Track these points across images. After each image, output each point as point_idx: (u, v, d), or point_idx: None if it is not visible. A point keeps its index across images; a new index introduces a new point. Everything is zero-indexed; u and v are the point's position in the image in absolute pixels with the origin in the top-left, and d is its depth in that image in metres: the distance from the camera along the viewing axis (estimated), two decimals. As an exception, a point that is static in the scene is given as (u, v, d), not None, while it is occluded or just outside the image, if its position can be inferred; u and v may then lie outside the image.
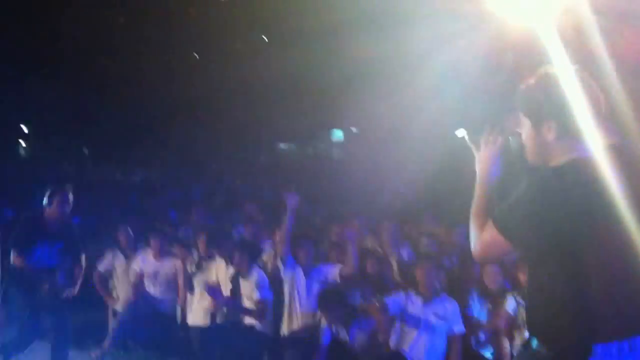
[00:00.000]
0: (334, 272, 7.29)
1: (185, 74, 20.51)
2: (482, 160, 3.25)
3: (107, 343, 8.30)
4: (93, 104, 21.37)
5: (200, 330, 7.88)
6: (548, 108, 2.85)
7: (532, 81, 2.91)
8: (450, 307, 6.46)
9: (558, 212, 2.67)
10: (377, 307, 6.63)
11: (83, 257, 7.55)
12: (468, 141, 3.32)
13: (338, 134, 27.71)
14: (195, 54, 21.79)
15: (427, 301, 6.48)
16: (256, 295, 7.48)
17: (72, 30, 18.94)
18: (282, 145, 28.79)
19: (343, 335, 6.71)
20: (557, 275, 2.74)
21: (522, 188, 2.81)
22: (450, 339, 6.40)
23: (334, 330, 6.79)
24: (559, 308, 2.72)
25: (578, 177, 2.72)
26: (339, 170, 18.26)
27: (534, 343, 2.84)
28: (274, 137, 26.80)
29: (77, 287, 7.45)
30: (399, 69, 14.14)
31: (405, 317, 6.50)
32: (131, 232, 9.19)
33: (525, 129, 2.97)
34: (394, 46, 13.36)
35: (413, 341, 6.40)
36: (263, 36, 19.69)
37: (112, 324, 8.77)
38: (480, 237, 3.00)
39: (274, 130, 24.50)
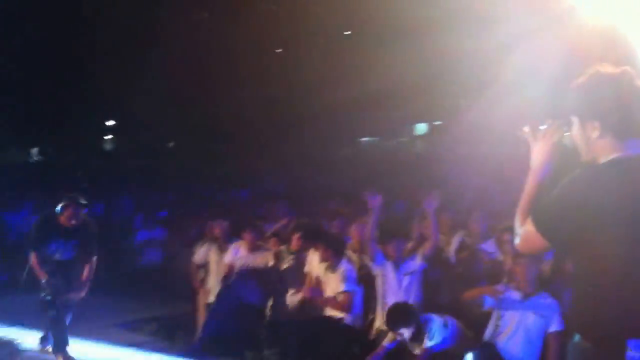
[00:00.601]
0: (417, 261, 7.50)
1: (269, 70, 20.88)
2: (536, 154, 3.25)
3: (197, 335, 8.63)
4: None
5: (290, 323, 8.05)
6: (592, 107, 2.92)
7: (581, 80, 2.96)
8: (549, 303, 6.37)
9: (596, 209, 2.71)
10: (472, 301, 6.73)
11: (94, 257, 8.23)
12: (527, 133, 3.31)
13: (421, 128, 27.65)
14: (279, 50, 22.17)
15: (526, 297, 6.44)
16: (342, 287, 7.71)
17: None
18: (365, 140, 28.89)
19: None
20: (594, 272, 2.79)
21: (562, 185, 2.87)
22: (548, 336, 6.30)
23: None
24: (596, 304, 2.77)
25: (620, 176, 2.78)
26: (421, 165, 18.29)
27: (576, 337, 2.90)
28: (356, 131, 26.92)
29: (86, 283, 8.09)
30: (483, 63, 14.14)
31: (502, 313, 6.48)
32: (226, 225, 9.51)
33: (574, 127, 3.03)
34: (477, 41, 13.39)
35: (508, 337, 6.37)
36: (346, 32, 19.87)
37: (203, 316, 9.03)
38: (520, 231, 3.04)
39: (356, 124, 24.64)
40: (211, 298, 9.07)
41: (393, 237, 7.67)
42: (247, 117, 22.55)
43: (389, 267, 7.58)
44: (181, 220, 11.66)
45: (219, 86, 21.77)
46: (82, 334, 8.55)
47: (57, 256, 8.05)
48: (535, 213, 2.97)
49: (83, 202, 8.00)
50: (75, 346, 8.10)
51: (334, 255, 7.84)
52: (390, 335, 6.93)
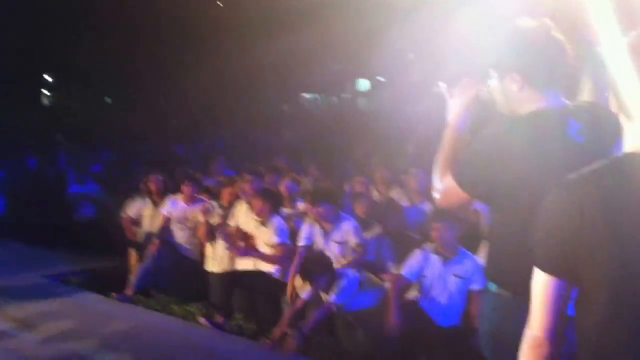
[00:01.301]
0: (349, 231, 7.55)
1: (208, 23, 20.61)
2: (451, 109, 3.27)
3: (130, 288, 8.67)
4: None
5: (220, 276, 8.14)
6: (511, 60, 2.93)
7: (499, 33, 2.99)
8: (469, 264, 6.43)
9: (512, 161, 2.73)
10: (394, 277, 6.79)
11: None
12: (443, 90, 3.33)
13: (364, 84, 27.65)
14: (219, 3, 21.87)
15: (445, 260, 6.52)
16: (274, 240, 7.78)
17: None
18: (307, 95, 28.79)
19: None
20: (511, 222, 2.83)
21: (481, 137, 2.89)
22: (471, 294, 6.40)
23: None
24: (514, 253, 2.79)
25: (539, 127, 2.79)
26: (364, 121, 18.34)
27: (493, 287, 2.96)
28: (297, 87, 26.80)
29: None
30: (428, 18, 14.13)
31: (425, 274, 6.56)
32: (161, 180, 9.50)
33: (493, 80, 3.05)
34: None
35: (430, 298, 6.50)
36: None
37: (137, 268, 9.05)
38: (440, 185, 3.06)
39: (297, 80, 24.53)
40: (143, 251, 9.10)
41: (324, 200, 7.62)
42: (187, 75, 22.24)
43: (318, 231, 7.64)
44: (115, 175, 11.59)
45: (159, 40, 21.39)
46: (9, 283, 8.67)
47: None
48: (454, 166, 2.98)
49: None
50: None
51: (270, 210, 7.89)
52: (306, 286, 7.02)
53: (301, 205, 8.63)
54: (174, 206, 9.10)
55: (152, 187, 9.49)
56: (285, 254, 7.76)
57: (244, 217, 8.27)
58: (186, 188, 9.06)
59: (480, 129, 2.96)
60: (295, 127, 19.03)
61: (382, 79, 25.44)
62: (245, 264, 8.01)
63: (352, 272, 6.93)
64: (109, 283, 8.99)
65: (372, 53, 17.89)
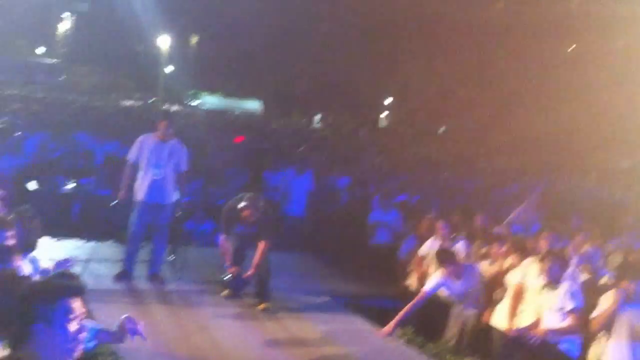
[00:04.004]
0: None
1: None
2: None
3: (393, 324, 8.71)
4: None
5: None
6: None
7: None
8: None
9: None
10: None
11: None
12: None
13: None
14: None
15: None
16: (567, 306, 7.33)
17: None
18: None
19: None
20: None
21: None
22: None
23: None
24: None
25: None
26: None
27: None
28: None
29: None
30: None
31: None
32: (447, 226, 9.52)
33: None
34: None
35: None
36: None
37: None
38: None
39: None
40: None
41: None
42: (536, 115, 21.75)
43: None
44: (416, 206, 11.77)
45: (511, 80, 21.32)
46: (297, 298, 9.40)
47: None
48: None
49: (260, 203, 8.96)
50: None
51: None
52: None
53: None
54: (432, 245, 9.00)
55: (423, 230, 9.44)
56: (579, 321, 7.23)
57: (533, 277, 7.80)
58: (440, 226, 9.02)
59: None
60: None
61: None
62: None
63: None
64: (385, 314, 9.16)
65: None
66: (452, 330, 8.46)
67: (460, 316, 8.41)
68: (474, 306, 8.33)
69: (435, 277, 8.37)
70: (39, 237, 6.54)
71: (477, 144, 23.61)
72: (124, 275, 9.33)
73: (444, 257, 8.29)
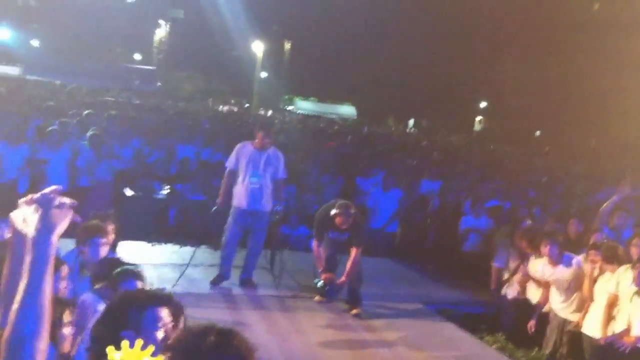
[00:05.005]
0: None
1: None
2: None
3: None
4: None
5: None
6: None
7: None
8: None
9: None
10: None
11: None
12: None
13: None
14: None
15: None
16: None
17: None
18: None
19: None
20: None
21: None
22: None
23: None
24: None
25: None
26: None
27: None
28: None
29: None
30: None
31: None
32: (532, 234, 9.32)
33: None
34: None
35: None
36: None
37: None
38: None
39: None
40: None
41: None
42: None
43: None
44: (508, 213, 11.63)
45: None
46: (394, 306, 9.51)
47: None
48: None
49: (352, 210, 9.07)
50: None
51: None
52: None
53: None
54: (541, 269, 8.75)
55: (522, 242, 9.23)
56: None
57: (626, 285, 7.68)
58: (545, 249, 8.59)
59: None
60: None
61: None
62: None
63: None
64: (481, 321, 9.21)
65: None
66: (550, 341, 8.43)
67: (559, 325, 8.37)
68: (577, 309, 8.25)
69: None
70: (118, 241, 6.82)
71: (573, 148, 23.19)
72: (220, 280, 9.61)
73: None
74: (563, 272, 8.36)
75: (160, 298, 3.10)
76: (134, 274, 4.51)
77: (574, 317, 8.28)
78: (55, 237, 2.36)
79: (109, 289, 4.52)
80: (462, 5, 24.50)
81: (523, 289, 9.16)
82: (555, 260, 8.37)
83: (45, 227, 2.34)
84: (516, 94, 23.39)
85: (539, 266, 8.65)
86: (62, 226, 2.37)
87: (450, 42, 27.12)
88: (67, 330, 4.06)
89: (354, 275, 9.14)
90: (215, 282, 9.57)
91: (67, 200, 2.41)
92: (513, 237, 9.52)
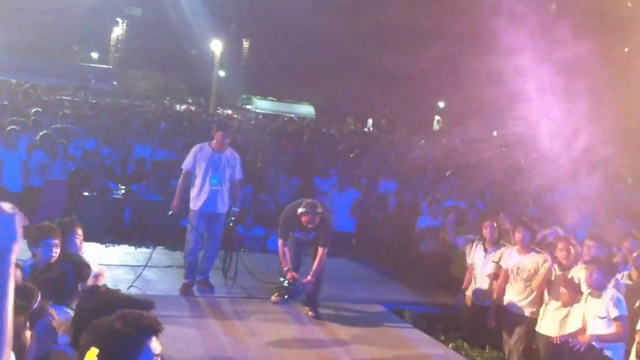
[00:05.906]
0: None
1: None
2: None
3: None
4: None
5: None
6: None
7: None
8: None
9: None
10: None
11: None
12: None
13: None
14: None
15: None
16: (612, 314, 7.34)
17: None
18: None
19: None
20: None
21: None
22: None
23: None
24: None
25: None
26: None
27: None
28: None
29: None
30: None
31: None
32: (495, 228, 9.35)
33: None
34: None
35: None
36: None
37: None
38: None
39: None
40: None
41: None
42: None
43: None
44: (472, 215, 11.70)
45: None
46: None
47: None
48: None
49: (319, 209, 9.00)
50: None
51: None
52: None
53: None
54: (509, 258, 8.87)
55: (486, 234, 9.29)
56: (623, 329, 7.24)
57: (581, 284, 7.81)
58: (518, 235, 8.69)
59: None
60: None
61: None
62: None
63: None
64: (437, 322, 9.28)
65: None
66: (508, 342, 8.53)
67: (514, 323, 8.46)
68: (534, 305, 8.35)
69: None
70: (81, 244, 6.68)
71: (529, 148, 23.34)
72: (189, 288, 9.46)
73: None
74: (528, 261, 8.47)
75: (154, 329, 2.86)
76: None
77: (527, 311, 8.40)
78: (13, 256, 2.28)
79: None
80: (419, 4, 24.67)
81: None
82: (525, 248, 8.48)
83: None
84: (474, 93, 23.56)
85: (505, 253, 8.77)
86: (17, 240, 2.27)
87: (409, 42, 27.28)
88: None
89: (318, 276, 9.16)
90: (184, 291, 9.39)
91: (6, 205, 2.30)
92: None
